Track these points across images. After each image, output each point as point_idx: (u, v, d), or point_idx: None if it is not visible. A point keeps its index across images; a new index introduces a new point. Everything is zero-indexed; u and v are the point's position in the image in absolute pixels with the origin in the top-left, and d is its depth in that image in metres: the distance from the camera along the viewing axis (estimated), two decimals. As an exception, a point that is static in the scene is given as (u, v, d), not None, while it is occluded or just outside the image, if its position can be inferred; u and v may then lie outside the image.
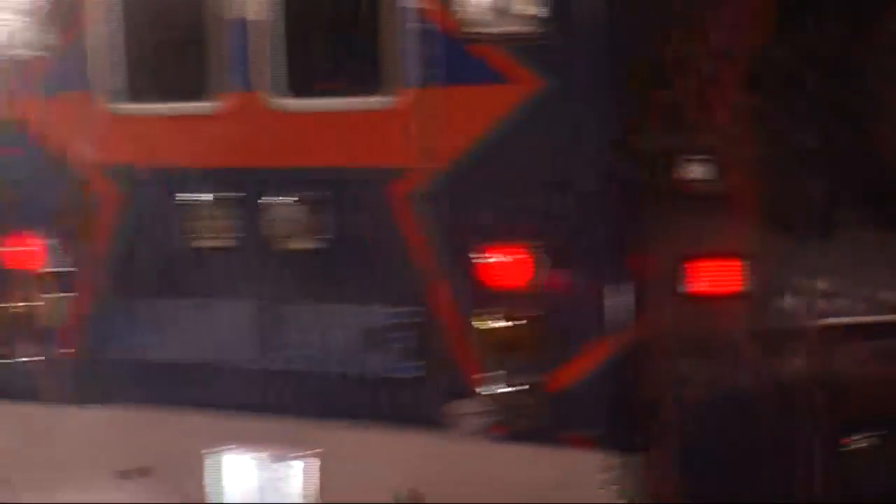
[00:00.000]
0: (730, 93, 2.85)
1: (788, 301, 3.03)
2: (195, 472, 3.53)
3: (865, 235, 3.15)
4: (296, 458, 3.37)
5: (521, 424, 2.95)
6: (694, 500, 2.95)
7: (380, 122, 3.16)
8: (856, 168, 3.09)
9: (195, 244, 3.51)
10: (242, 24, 3.34)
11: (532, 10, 2.88)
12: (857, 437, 3.14)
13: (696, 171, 2.85)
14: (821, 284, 3.08)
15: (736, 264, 2.90)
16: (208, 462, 3.52)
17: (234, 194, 3.42)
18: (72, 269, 3.72)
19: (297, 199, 3.29)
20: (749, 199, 2.91)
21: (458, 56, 3.00)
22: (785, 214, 2.99)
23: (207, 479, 3.54)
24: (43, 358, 3.80)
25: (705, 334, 2.88)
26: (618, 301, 2.83)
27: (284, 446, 3.39)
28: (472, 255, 3.02)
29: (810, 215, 3.02)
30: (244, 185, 3.40)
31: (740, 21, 2.86)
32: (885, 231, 3.18)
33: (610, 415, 2.91)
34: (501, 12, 2.93)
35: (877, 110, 3.13)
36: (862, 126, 3.10)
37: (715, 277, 2.90)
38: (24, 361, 3.84)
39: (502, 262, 2.98)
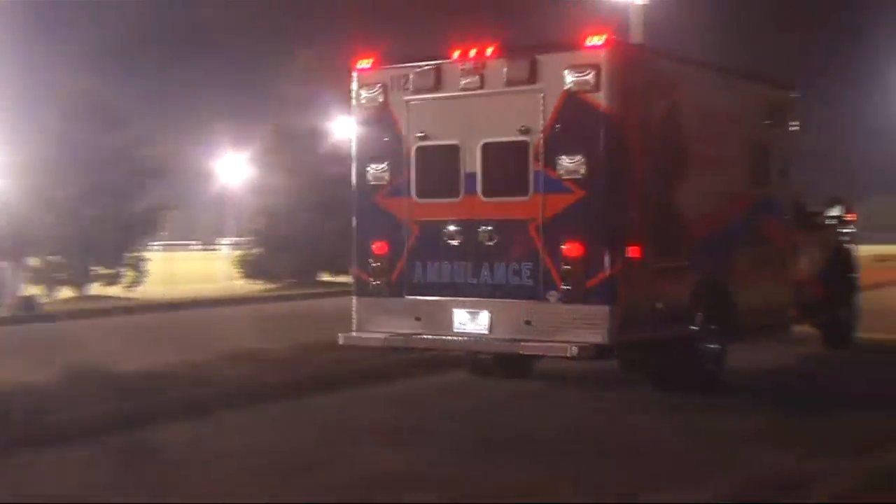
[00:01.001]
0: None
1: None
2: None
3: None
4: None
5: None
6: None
7: (526, 205, 9.40)
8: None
9: (448, 247, 9.91)
10: (473, 171, 9.71)
11: (582, 171, 9.10)
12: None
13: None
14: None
15: None
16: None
17: (464, 226, 9.76)
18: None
19: (487, 228, 9.61)
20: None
21: (553, 182, 9.25)
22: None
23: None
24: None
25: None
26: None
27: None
28: (561, 248, 9.16)
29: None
30: (472, 225, 9.70)
31: None
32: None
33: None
34: (570, 170, 9.17)
35: None
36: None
37: None
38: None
39: (572, 249, 9.15)
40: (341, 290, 24.88)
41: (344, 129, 33.57)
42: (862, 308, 13.41)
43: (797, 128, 12.16)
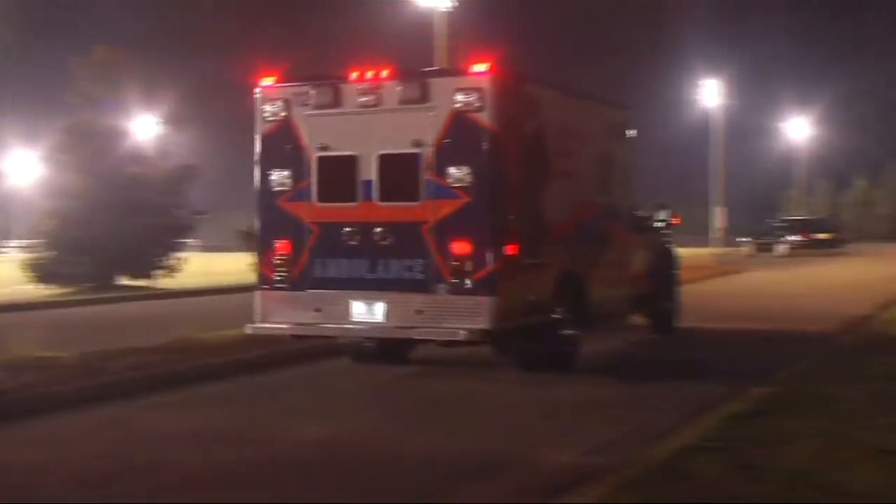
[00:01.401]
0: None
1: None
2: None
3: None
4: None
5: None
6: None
7: (418, 209, 10.65)
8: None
9: (347, 246, 10.92)
10: (370, 179, 10.87)
11: (468, 180, 10.41)
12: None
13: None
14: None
15: None
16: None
17: (362, 227, 10.93)
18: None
19: (383, 229, 10.78)
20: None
21: (443, 189, 10.48)
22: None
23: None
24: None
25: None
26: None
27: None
28: (449, 246, 10.44)
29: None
30: (369, 226, 10.83)
31: None
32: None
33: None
34: (458, 179, 10.46)
35: None
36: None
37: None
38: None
39: (459, 247, 10.38)
40: (143, 295, 24.29)
41: (144, 128, 32.72)
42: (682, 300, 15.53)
43: (633, 143, 13.97)
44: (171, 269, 27.50)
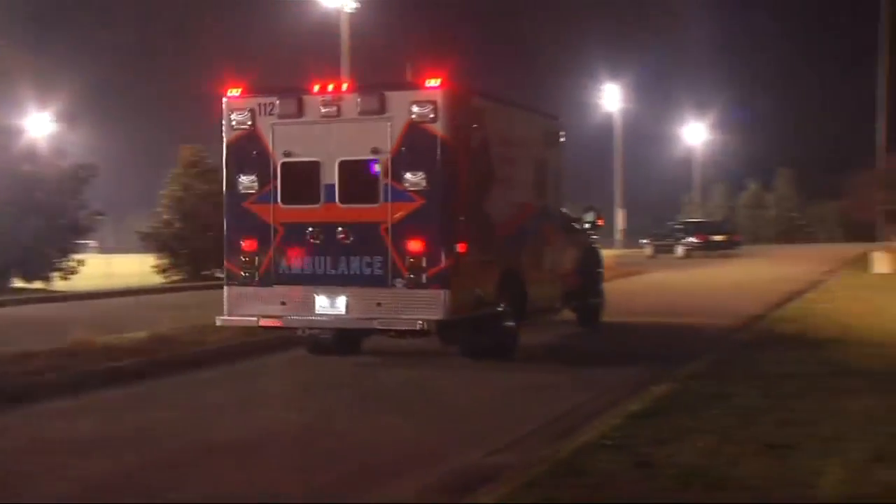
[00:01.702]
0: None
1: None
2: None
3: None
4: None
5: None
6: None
7: (377, 210, 11.53)
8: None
9: (310, 244, 11.85)
10: (332, 183, 11.80)
11: (423, 185, 11.35)
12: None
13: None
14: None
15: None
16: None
17: (324, 228, 11.81)
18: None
19: (344, 229, 11.73)
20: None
21: (400, 192, 11.42)
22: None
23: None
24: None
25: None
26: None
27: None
28: (405, 244, 11.41)
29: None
30: (331, 226, 11.75)
31: None
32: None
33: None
34: (413, 183, 11.38)
35: None
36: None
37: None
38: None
39: (414, 245, 11.31)
40: (38, 298, 23.51)
41: (38, 126, 31.63)
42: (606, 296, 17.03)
43: (562, 149, 15.20)
44: (68, 272, 26.72)
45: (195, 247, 32.68)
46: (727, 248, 49.29)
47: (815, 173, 79.94)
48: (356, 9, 36.91)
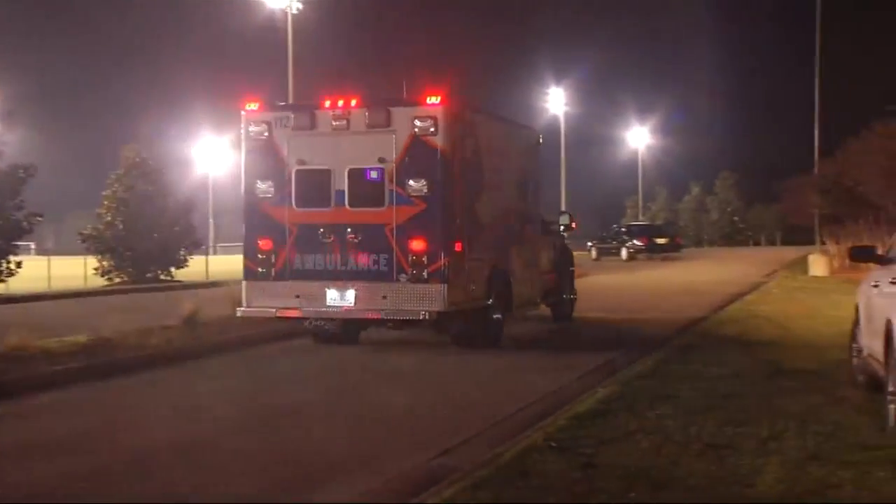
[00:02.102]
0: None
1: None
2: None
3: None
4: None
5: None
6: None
7: (382, 213, 12.83)
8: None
9: (322, 243, 13.04)
10: (342, 189, 13.09)
11: (424, 191, 12.66)
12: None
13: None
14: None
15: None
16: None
17: (335, 228, 13.05)
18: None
19: (353, 230, 12.95)
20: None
21: (403, 197, 12.72)
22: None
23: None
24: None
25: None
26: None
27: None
28: (408, 244, 12.65)
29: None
30: (341, 227, 12.99)
31: None
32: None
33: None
34: (415, 189, 12.71)
35: None
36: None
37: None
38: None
39: (417, 245, 12.61)
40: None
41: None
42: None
43: (539, 157, 17.05)
44: (6, 274, 26.15)
45: (139, 249, 32.22)
46: (670, 251, 50.02)
47: (757, 178, 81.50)
48: (300, 10, 36.76)
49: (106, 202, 32.83)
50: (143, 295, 26.61)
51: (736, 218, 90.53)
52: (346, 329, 14.08)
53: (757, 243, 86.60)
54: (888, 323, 7.55)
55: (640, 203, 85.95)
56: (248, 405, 10.01)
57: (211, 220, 72.41)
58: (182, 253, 33.64)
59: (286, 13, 36.87)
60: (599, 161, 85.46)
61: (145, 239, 32.21)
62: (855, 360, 9.89)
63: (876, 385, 8.61)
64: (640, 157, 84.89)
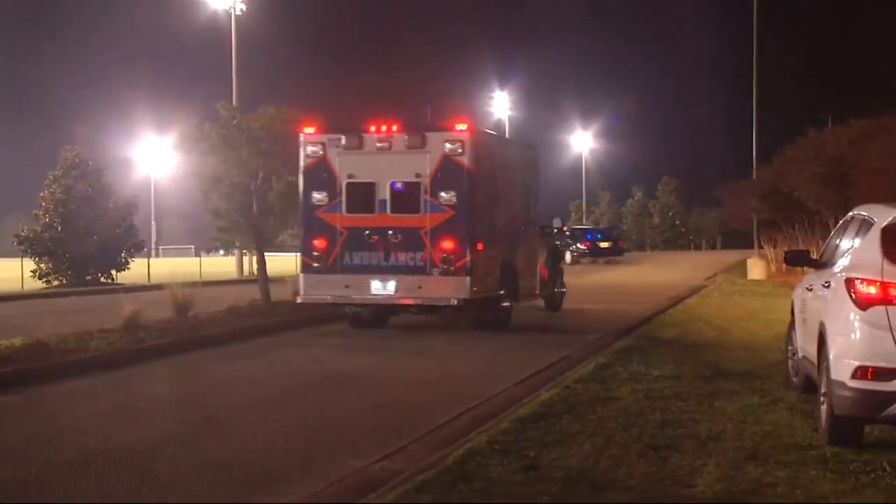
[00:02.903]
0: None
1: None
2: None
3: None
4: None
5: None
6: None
7: (418, 218, 15.66)
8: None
9: (368, 243, 15.86)
10: (384, 198, 15.97)
11: (453, 200, 15.54)
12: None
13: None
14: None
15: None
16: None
17: (378, 231, 15.86)
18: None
19: (394, 232, 15.76)
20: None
21: (436, 206, 15.54)
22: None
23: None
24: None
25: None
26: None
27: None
28: (440, 244, 15.56)
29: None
30: (384, 230, 15.78)
31: None
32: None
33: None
34: (446, 199, 15.64)
35: None
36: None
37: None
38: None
39: (446, 244, 15.54)
40: None
41: None
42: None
43: (538, 171, 20.30)
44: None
45: (78, 251, 31.65)
46: (613, 255, 50.61)
47: (697, 183, 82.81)
48: (243, 10, 36.43)
49: (44, 203, 32.21)
50: (82, 298, 26.13)
51: (678, 222, 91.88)
52: (377, 315, 16.89)
53: (698, 247, 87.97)
54: (821, 325, 7.75)
55: (584, 207, 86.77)
56: (213, 403, 9.90)
57: (153, 223, 71.39)
58: (123, 255, 33.13)
59: (229, 14, 36.52)
60: (544, 165, 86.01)
61: (85, 241, 31.65)
62: (790, 362, 10.12)
63: (810, 386, 8.83)
64: (583, 161, 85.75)
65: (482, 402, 9.79)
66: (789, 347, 10.24)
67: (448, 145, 15.50)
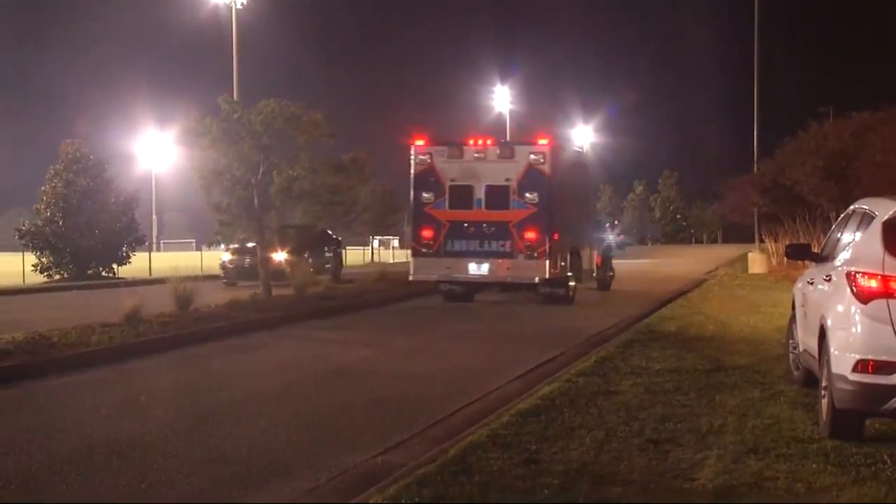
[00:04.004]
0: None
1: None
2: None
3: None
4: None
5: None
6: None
7: (508, 214, 20.65)
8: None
9: (466, 233, 20.86)
10: (480, 197, 20.95)
11: (535, 200, 20.56)
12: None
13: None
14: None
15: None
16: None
17: (475, 223, 20.88)
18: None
19: (487, 225, 20.78)
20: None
21: (521, 203, 20.60)
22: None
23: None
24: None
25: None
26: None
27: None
28: (525, 234, 20.54)
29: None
30: (480, 222, 20.77)
31: None
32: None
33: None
34: (530, 199, 20.62)
35: None
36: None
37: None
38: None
39: (530, 235, 20.56)
40: None
41: None
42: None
43: (589, 171, 25.93)
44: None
45: (79, 245, 31.67)
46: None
47: (698, 177, 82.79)
48: (244, 4, 36.45)
49: (45, 198, 32.21)
50: (83, 292, 26.16)
51: (679, 216, 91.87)
52: (468, 292, 21.49)
53: (699, 241, 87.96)
54: (822, 319, 7.75)
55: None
56: (214, 397, 9.91)
57: (154, 217, 71.42)
58: (124, 249, 33.15)
59: (230, 7, 36.51)
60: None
61: (86, 235, 31.67)
62: (791, 356, 10.12)
63: (811, 380, 8.83)
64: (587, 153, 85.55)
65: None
66: (790, 341, 10.24)
67: (532, 156, 20.26)
